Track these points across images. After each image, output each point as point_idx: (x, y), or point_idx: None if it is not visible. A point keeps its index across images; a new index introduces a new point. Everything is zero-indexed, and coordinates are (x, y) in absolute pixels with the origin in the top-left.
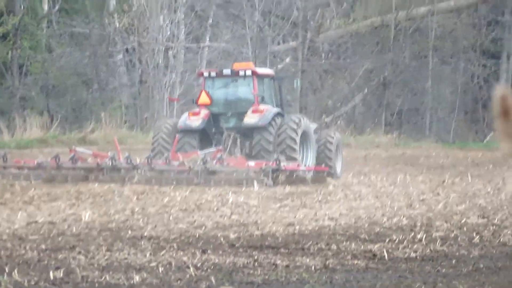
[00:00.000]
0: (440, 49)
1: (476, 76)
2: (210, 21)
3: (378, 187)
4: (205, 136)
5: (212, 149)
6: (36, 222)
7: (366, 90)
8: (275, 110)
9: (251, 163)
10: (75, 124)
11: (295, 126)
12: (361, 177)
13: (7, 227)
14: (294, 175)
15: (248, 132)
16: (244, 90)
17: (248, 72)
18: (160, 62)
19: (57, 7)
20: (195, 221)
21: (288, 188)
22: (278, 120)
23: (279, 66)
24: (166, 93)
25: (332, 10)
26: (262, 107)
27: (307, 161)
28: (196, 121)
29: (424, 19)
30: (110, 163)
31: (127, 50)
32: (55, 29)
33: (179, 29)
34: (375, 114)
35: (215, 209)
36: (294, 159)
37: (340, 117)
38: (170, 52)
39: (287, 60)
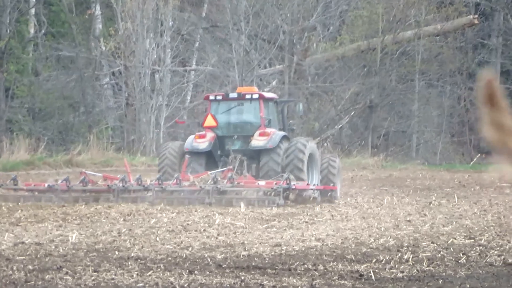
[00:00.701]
0: (426, 72)
1: (463, 99)
2: (197, 44)
3: (365, 208)
4: (211, 158)
5: (222, 169)
6: (23, 243)
7: (352, 113)
8: (282, 133)
9: (261, 182)
10: (61, 146)
11: (303, 148)
12: (348, 198)
13: None
14: (304, 194)
15: (255, 154)
16: (250, 113)
17: (255, 96)
18: (147, 85)
19: (43, 31)
20: (182, 242)
21: (275, 209)
22: (285, 143)
23: (266, 90)
24: (153, 116)
25: (318, 33)
26: (269, 130)
27: (312, 182)
28: (202, 144)
29: (410, 43)
30: (121, 185)
31: (113, 73)
32: (41, 53)
33: (166, 53)
34: (362, 137)
35: (202, 230)
36: (302, 180)
37: (327, 139)
38: (157, 76)
39: (274, 83)
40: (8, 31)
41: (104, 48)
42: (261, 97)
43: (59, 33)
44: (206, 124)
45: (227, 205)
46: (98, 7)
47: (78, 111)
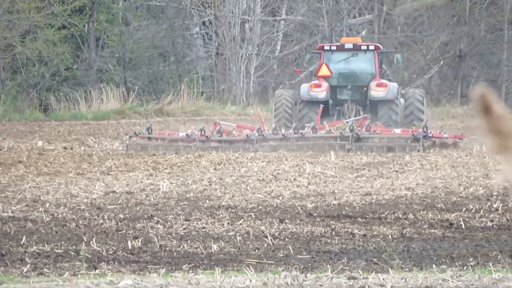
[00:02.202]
0: None
1: None
2: None
3: (454, 157)
4: (325, 107)
5: (358, 118)
6: (114, 192)
7: (442, 62)
8: (395, 84)
9: (397, 131)
10: (151, 96)
11: (421, 99)
12: (437, 147)
13: (85, 197)
14: (438, 142)
15: (371, 105)
16: (364, 64)
17: (371, 47)
18: (237, 34)
19: None
20: (272, 191)
21: (365, 158)
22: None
23: None
24: (243, 66)
25: None
26: (384, 81)
27: None
28: (320, 93)
29: None
30: (257, 135)
31: (203, 23)
32: (131, 2)
33: (255, 2)
34: (451, 86)
35: (292, 179)
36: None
37: (416, 88)
38: (247, 25)
39: (363, 33)
40: None
41: None
42: (376, 48)
43: None
44: (321, 73)
45: (368, 152)
46: None
47: (169, 60)
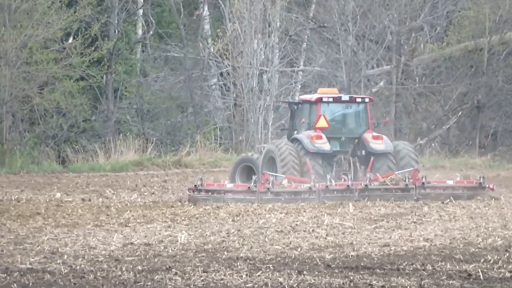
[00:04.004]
0: None
1: None
2: (304, 45)
3: (473, 208)
4: (325, 158)
5: (409, 169)
6: (132, 243)
7: (460, 113)
8: (386, 137)
9: (450, 182)
10: (170, 147)
11: (413, 151)
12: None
13: (103, 249)
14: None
15: (366, 156)
16: (357, 115)
17: (366, 99)
18: (255, 85)
19: (151, 32)
20: (290, 242)
21: (383, 210)
22: None
23: (373, 90)
24: (261, 117)
25: (425, 34)
26: (377, 134)
27: None
28: (325, 145)
29: None
30: (309, 187)
31: (221, 74)
32: (149, 54)
33: (273, 53)
34: (469, 137)
35: (310, 230)
36: None
37: (435, 139)
38: (265, 76)
39: (381, 83)
40: (116, 32)
41: (212, 49)
42: (370, 100)
43: (167, 34)
44: (319, 125)
45: (435, 200)
46: (206, 8)
47: (186, 111)
